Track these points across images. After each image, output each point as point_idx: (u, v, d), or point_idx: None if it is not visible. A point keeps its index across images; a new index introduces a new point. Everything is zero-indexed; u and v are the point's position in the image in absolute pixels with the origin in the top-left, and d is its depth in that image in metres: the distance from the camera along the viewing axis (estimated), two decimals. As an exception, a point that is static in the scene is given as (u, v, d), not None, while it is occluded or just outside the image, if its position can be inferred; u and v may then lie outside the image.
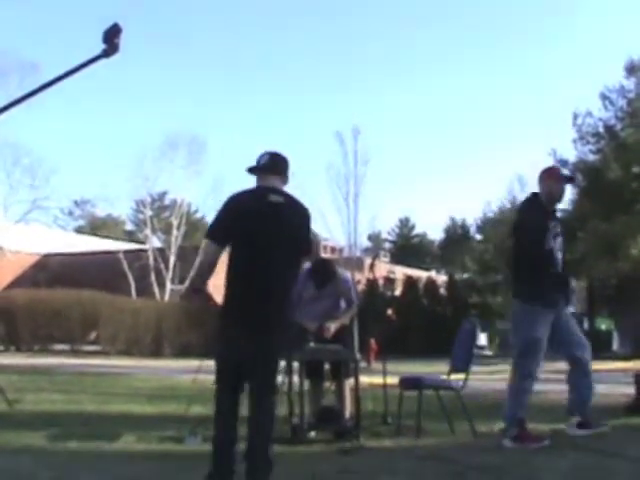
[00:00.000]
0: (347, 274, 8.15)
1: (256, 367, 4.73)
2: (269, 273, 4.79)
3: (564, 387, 7.24)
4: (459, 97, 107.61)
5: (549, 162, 46.68)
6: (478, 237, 65.65)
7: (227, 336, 4.92)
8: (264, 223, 4.81)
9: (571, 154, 46.46)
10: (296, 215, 4.97)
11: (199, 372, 7.71)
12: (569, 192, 51.49)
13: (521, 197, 42.39)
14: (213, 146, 79.11)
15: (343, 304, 7.73)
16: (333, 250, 46.06)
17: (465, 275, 65.74)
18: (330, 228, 40.10)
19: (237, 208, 4.87)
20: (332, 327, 7.40)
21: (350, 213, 37.88)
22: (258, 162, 5.09)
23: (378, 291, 34.53)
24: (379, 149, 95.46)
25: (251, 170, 5.08)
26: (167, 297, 43.93)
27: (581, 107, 45.98)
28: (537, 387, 7.07)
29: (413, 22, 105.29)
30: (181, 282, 43.90)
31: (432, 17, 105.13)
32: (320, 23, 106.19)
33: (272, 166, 5.03)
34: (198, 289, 5.30)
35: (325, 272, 7.66)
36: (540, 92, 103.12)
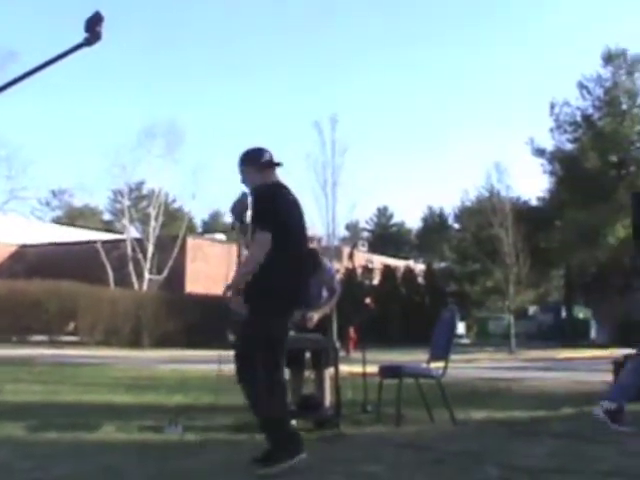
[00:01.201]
0: (329, 263, 8.26)
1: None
2: (305, 255, 5.44)
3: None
4: (437, 84, 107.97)
5: (527, 151, 47.28)
6: (456, 226, 65.90)
7: (284, 314, 5.22)
8: (302, 213, 5.42)
9: (549, 143, 47.05)
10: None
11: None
12: (546, 181, 51.93)
13: (499, 185, 42.69)
14: (191, 135, 79.01)
15: (325, 293, 7.75)
16: (311, 239, 45.69)
17: (443, 264, 66.14)
18: (308, 217, 39.85)
19: (285, 201, 5.26)
20: (315, 317, 7.42)
21: (328, 202, 37.68)
22: (266, 158, 5.41)
23: (356, 280, 34.52)
24: (357, 138, 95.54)
25: (272, 164, 5.40)
26: (145, 287, 43.80)
27: (559, 96, 46.48)
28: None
29: (390, 9, 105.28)
30: (159, 272, 43.84)
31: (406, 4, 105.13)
32: (298, 12, 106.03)
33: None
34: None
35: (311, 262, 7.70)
36: (518, 80, 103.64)
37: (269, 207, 5.08)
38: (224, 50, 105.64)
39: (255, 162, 5.34)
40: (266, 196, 5.16)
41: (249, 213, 5.37)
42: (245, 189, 5.46)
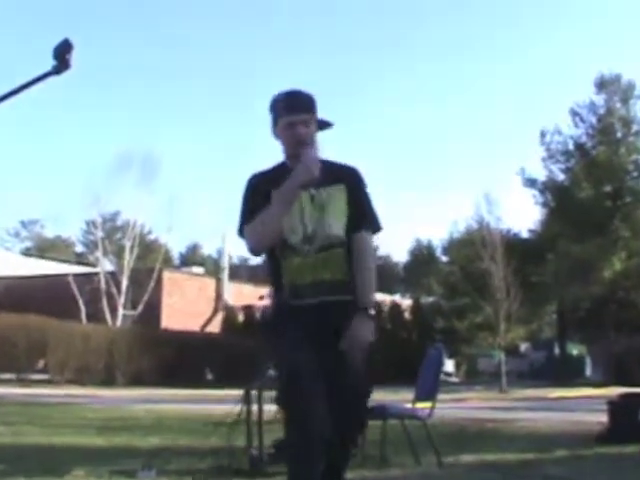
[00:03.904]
0: None
1: None
2: None
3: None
4: (424, 114, 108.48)
5: (517, 181, 47.43)
6: (444, 259, 65.96)
7: None
8: None
9: (540, 173, 47.01)
10: None
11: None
12: (537, 212, 52.08)
13: (489, 217, 42.79)
14: (168, 165, 78.96)
15: None
16: None
17: (431, 298, 66.02)
18: None
19: None
20: None
21: None
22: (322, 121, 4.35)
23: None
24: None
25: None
26: (119, 322, 43.61)
27: (549, 124, 46.57)
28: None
29: (378, 41, 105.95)
30: (133, 307, 43.68)
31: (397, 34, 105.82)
32: (279, 36, 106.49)
33: None
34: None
35: None
36: (506, 108, 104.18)
37: None
38: (202, 78, 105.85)
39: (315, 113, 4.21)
40: None
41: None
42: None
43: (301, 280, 4.06)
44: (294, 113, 4.03)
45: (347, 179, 4.15)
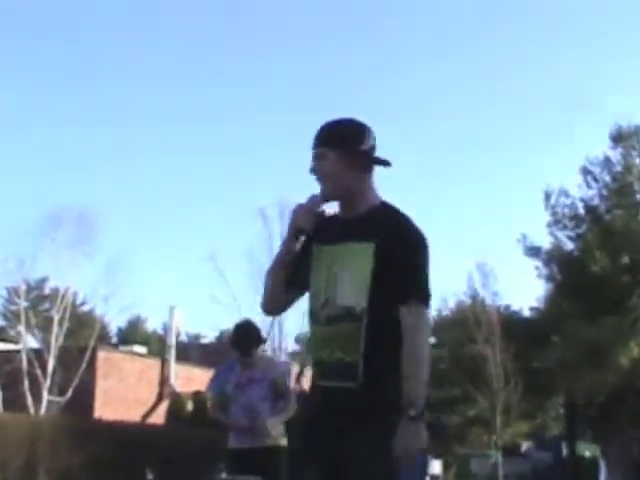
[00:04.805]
0: (283, 358, 8.54)
1: None
2: None
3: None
4: (415, 171, 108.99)
5: (518, 249, 47.49)
6: (431, 341, 66.13)
7: None
8: None
9: (545, 240, 47.00)
10: None
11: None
12: (541, 287, 51.78)
13: (483, 292, 43.06)
14: (105, 224, 78.48)
15: (269, 400, 8.10)
16: None
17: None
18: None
19: None
20: (272, 425, 7.84)
21: None
22: (374, 147, 4.27)
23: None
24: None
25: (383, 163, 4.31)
26: (43, 410, 43.30)
27: (554, 183, 46.25)
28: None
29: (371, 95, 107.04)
30: (61, 392, 43.30)
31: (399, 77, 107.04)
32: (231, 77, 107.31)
33: None
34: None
35: (251, 335, 8.17)
36: (506, 163, 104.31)
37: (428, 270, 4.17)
38: (145, 124, 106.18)
39: (353, 146, 4.20)
40: (427, 247, 4.22)
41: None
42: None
43: (318, 355, 4.14)
44: (312, 147, 4.23)
45: (384, 234, 4.06)
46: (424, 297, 4.03)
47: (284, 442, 8.25)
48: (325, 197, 4.19)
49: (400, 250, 4.02)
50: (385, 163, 4.23)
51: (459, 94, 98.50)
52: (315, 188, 4.24)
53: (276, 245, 38.40)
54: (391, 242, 4.01)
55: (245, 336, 8.21)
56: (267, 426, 7.88)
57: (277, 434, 8.12)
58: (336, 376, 4.00)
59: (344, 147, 4.13)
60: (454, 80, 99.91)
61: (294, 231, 4.15)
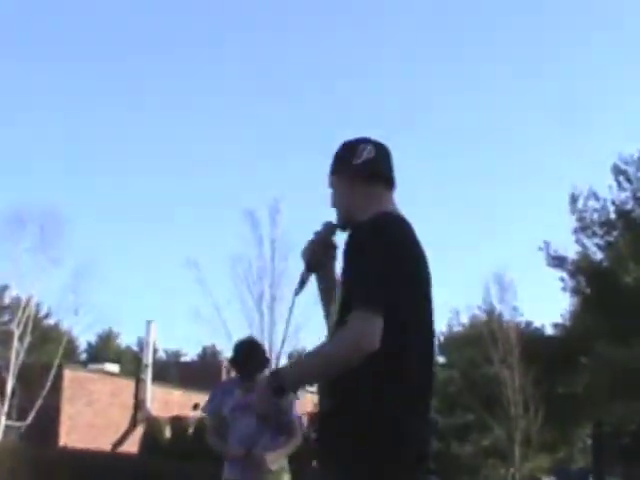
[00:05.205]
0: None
1: None
2: (431, 369, 4.28)
3: None
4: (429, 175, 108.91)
5: (540, 259, 47.18)
6: (441, 360, 65.91)
7: None
8: (428, 285, 4.35)
9: (571, 249, 46.62)
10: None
11: None
12: (567, 301, 51.49)
13: (501, 306, 42.77)
14: (74, 227, 78.15)
15: (270, 430, 7.91)
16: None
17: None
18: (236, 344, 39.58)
19: (412, 254, 4.26)
20: (271, 459, 7.74)
21: (264, 323, 37.66)
22: (368, 160, 4.39)
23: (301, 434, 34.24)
24: (306, 236, 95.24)
25: (377, 173, 4.42)
26: (0, 437, 43.09)
27: (582, 185, 45.82)
28: None
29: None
30: (22, 416, 43.10)
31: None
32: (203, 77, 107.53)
33: (393, 171, 4.52)
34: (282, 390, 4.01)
35: (254, 356, 8.07)
36: (526, 162, 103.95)
37: (386, 267, 4.00)
38: (120, 119, 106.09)
39: (347, 164, 4.40)
40: (389, 242, 4.07)
41: (337, 262, 4.43)
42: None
43: None
44: None
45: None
46: (364, 300, 3.88)
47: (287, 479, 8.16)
48: (339, 223, 4.39)
49: (346, 257, 4.14)
50: (375, 172, 4.38)
51: (470, 91, 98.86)
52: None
53: (266, 251, 38.08)
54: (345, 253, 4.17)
55: (247, 357, 8.07)
56: (266, 459, 7.75)
57: (278, 469, 8.00)
58: (321, 404, 4.29)
59: (340, 168, 4.39)
60: (464, 79, 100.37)
61: (305, 268, 4.38)
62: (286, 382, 3.92)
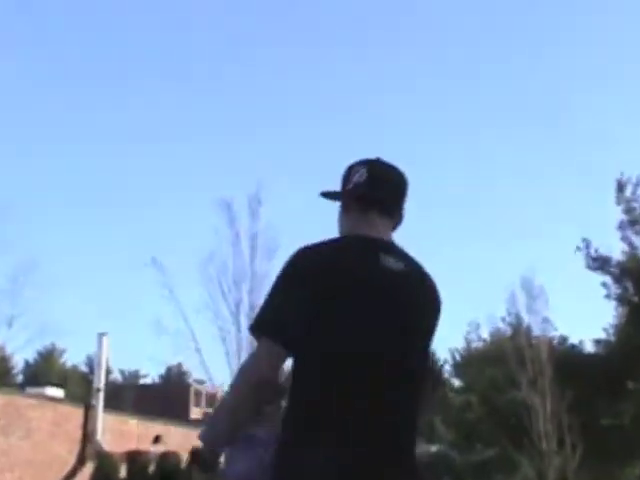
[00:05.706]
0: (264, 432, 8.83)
1: None
2: (393, 419, 4.38)
3: None
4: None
5: (577, 260, 46.49)
6: (456, 383, 65.51)
7: None
8: (379, 312, 4.46)
9: (615, 248, 46.04)
10: (430, 301, 4.83)
11: None
12: (611, 312, 51.32)
13: (529, 317, 42.00)
14: (11, 221, 78.02)
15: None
16: (213, 398, 45.01)
17: (434, 447, 64.89)
18: (207, 363, 39.11)
19: (325, 279, 4.42)
20: None
21: (242, 338, 36.70)
22: (357, 184, 4.80)
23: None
24: (295, 232, 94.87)
25: (364, 198, 4.81)
26: None
27: (630, 170, 45.20)
28: None
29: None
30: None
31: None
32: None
33: (394, 195, 4.88)
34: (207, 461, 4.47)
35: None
36: (568, 145, 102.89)
37: (283, 293, 4.41)
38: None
39: (342, 190, 4.90)
40: (289, 266, 4.46)
41: None
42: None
43: None
44: None
45: None
46: (250, 328, 4.45)
47: None
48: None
49: None
50: (335, 196, 4.89)
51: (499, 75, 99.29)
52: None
53: (245, 249, 37.20)
54: None
55: None
56: None
57: None
58: None
59: (339, 194, 4.87)
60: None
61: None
62: (204, 454, 4.46)
